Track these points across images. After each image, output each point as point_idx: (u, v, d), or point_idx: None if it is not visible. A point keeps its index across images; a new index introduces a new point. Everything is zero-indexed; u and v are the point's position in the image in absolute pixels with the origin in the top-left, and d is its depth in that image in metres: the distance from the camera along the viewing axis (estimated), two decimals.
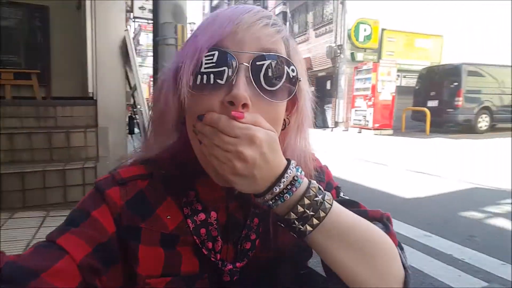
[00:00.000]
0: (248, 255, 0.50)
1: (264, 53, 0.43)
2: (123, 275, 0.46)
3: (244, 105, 0.41)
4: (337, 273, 0.44)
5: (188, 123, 0.46)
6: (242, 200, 0.51)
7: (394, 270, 0.45)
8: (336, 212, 0.43)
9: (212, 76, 0.42)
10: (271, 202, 0.42)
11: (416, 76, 11.32)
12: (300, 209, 0.41)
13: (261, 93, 0.43)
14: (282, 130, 0.49)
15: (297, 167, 0.44)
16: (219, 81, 0.42)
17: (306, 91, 0.50)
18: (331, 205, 0.43)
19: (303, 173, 0.44)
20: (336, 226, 0.43)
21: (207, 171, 0.46)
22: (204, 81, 0.43)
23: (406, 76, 12.50)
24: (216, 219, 0.49)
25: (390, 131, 10.07)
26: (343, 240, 0.43)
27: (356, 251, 0.43)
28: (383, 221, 0.50)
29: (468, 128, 9.39)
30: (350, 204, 0.51)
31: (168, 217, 0.47)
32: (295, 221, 0.42)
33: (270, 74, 0.43)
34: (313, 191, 0.42)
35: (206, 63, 0.43)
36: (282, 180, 0.41)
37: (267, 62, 0.43)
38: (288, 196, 0.41)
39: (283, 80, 0.44)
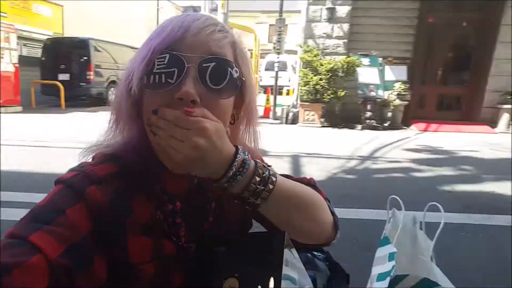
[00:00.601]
0: (207, 235, 0.60)
1: (210, 56, 0.51)
2: (105, 269, 0.49)
3: (193, 101, 0.48)
4: (284, 229, 0.56)
5: (144, 117, 0.53)
6: (201, 188, 0.61)
7: (327, 218, 0.62)
8: (280, 183, 0.54)
9: (163, 76, 0.50)
10: (226, 185, 0.51)
11: (39, 46, 10.63)
12: (252, 186, 0.51)
13: (207, 91, 0.51)
14: (232, 123, 0.59)
15: (243, 151, 0.53)
16: (169, 80, 0.49)
17: (252, 89, 0.60)
18: (276, 178, 0.53)
19: (249, 155, 0.53)
20: (282, 193, 0.54)
21: (162, 160, 0.53)
22: (157, 80, 0.50)
23: (28, 45, 11.38)
24: (180, 208, 0.57)
25: (19, 108, 9.02)
26: (288, 203, 0.56)
27: (299, 210, 0.57)
28: (311, 184, 0.67)
29: (100, 101, 10.37)
30: (286, 177, 0.66)
31: (142, 210, 0.53)
32: (250, 197, 0.52)
33: (215, 74, 0.51)
34: (260, 169, 0.52)
35: (158, 64, 0.50)
36: (234, 164, 0.50)
37: (212, 64, 0.51)
38: (241, 178, 0.50)
39: (227, 80, 0.52)
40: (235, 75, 0.53)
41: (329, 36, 7.83)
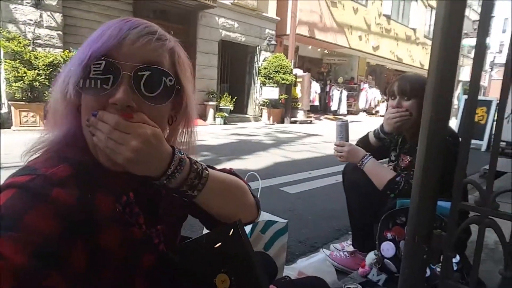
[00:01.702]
0: (162, 220, 0.67)
1: (145, 65, 0.56)
2: (84, 261, 0.52)
3: (129, 107, 0.55)
4: (217, 215, 0.68)
5: (82, 118, 0.58)
6: (146, 178, 0.65)
7: (251, 201, 0.76)
8: (211, 175, 0.64)
9: (99, 81, 0.55)
10: (165, 182, 0.58)
11: None
12: (189, 180, 0.60)
13: (142, 99, 0.57)
14: (170, 125, 0.66)
15: (179, 150, 0.60)
16: (105, 86, 0.55)
17: (190, 94, 0.67)
18: (208, 171, 0.63)
19: (185, 154, 0.61)
20: (214, 184, 0.64)
21: (96, 157, 0.58)
22: (92, 85, 0.55)
23: None
24: (133, 198, 0.62)
25: None
26: (220, 191, 0.67)
27: (229, 196, 0.70)
28: (233, 173, 0.79)
29: None
30: (212, 168, 0.80)
31: (103, 205, 0.57)
32: (187, 190, 0.60)
33: (149, 83, 0.57)
34: (195, 165, 0.61)
35: (94, 70, 0.55)
36: (172, 163, 0.57)
37: (147, 73, 0.56)
38: (179, 175, 0.58)
39: (161, 88, 0.58)
40: (169, 83, 0.59)
41: (39, 25, 6.92)
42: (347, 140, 1.71)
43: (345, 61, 16.66)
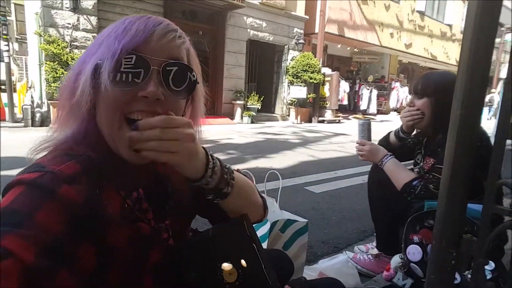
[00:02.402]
0: (169, 215, 0.67)
1: (173, 61, 0.59)
2: (92, 258, 0.52)
3: (157, 100, 0.57)
4: (231, 213, 0.70)
5: (105, 112, 0.58)
6: (155, 174, 0.67)
7: (259, 200, 0.78)
8: (235, 172, 0.67)
9: (130, 75, 0.56)
10: (209, 179, 0.60)
11: None
12: (223, 179, 0.63)
13: (169, 93, 0.59)
14: None
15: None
16: (136, 80, 0.56)
17: (201, 89, 0.68)
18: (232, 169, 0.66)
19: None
20: (237, 181, 0.67)
21: (117, 152, 0.58)
22: (123, 79, 0.56)
23: None
24: (143, 194, 0.63)
25: None
26: (240, 189, 0.68)
27: (244, 196, 0.71)
28: (241, 172, 0.81)
29: None
30: None
31: (112, 201, 0.57)
32: (224, 187, 0.63)
33: (177, 77, 0.59)
34: (223, 163, 0.64)
35: (125, 64, 0.55)
36: (210, 163, 0.60)
37: (175, 68, 0.59)
38: (215, 175, 0.61)
39: (186, 83, 0.61)
40: (193, 78, 0.62)
41: (76, 28, 7.24)
42: (369, 139, 1.66)
43: (376, 60, 16.19)
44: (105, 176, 0.58)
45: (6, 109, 6.87)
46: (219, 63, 9.91)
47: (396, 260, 1.48)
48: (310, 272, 1.54)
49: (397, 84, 16.06)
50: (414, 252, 1.38)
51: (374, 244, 1.91)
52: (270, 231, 1.41)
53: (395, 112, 16.22)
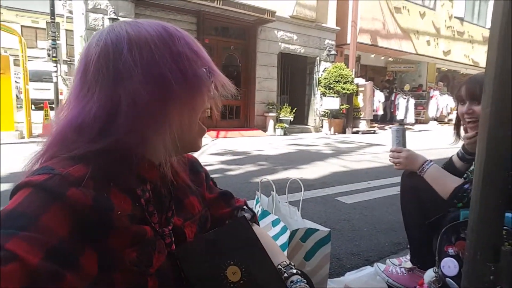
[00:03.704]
0: (172, 221, 0.66)
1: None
2: (96, 263, 0.51)
3: None
4: None
5: (185, 117, 0.61)
6: (165, 178, 0.66)
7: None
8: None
9: None
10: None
11: None
12: None
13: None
14: None
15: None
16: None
17: None
18: None
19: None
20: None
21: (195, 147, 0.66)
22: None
23: None
24: (151, 196, 0.62)
25: None
26: None
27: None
28: (245, 203, 0.88)
29: None
30: (229, 196, 0.85)
31: (121, 202, 0.56)
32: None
33: None
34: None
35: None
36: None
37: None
38: None
39: None
40: None
41: None
42: (404, 145, 1.54)
43: (412, 68, 15.62)
44: (114, 179, 0.57)
45: None
46: (251, 77, 10.02)
47: (429, 274, 1.36)
48: (335, 285, 1.45)
49: (436, 92, 15.33)
50: (449, 265, 1.25)
51: (408, 257, 1.77)
52: (290, 240, 1.35)
53: (435, 121, 15.45)
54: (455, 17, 14.82)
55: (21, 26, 19.76)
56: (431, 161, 1.45)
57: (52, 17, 7.28)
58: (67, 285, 0.44)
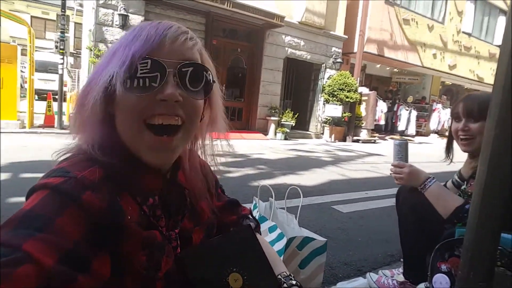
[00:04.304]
0: (179, 224, 0.67)
1: (188, 61, 0.58)
2: (108, 266, 0.52)
3: (176, 102, 0.57)
4: None
5: (124, 118, 0.58)
6: (173, 182, 0.67)
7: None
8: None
9: (147, 80, 0.55)
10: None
11: None
12: None
13: (186, 94, 0.58)
14: (200, 121, 0.65)
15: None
16: (153, 84, 0.56)
17: (217, 89, 0.68)
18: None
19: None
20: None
21: (139, 155, 0.60)
22: (141, 84, 0.55)
23: None
24: (158, 201, 0.63)
25: None
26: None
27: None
28: (250, 211, 0.89)
29: None
30: (236, 204, 0.86)
31: (130, 208, 0.57)
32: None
33: (193, 78, 0.59)
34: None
35: (141, 70, 0.55)
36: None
37: (190, 69, 0.58)
38: None
39: (203, 83, 0.61)
40: (209, 78, 0.62)
41: None
42: (406, 160, 1.53)
43: (417, 80, 15.61)
44: (124, 182, 0.58)
45: (56, 117, 7.35)
46: (255, 80, 10.03)
47: None
48: None
49: (439, 105, 15.33)
50: (441, 281, 1.25)
51: (401, 270, 1.77)
52: (286, 247, 1.35)
53: (436, 135, 15.43)
54: (463, 32, 14.82)
55: (31, 16, 19.85)
56: (433, 178, 1.45)
57: (63, 10, 7.29)
58: (80, 287, 0.45)
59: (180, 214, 0.68)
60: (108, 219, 0.52)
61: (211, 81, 0.63)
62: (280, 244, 1.39)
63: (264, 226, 1.58)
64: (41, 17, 21.00)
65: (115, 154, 0.58)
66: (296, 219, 1.62)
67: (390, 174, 1.56)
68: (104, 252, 0.52)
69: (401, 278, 1.69)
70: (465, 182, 1.47)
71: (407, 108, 14.14)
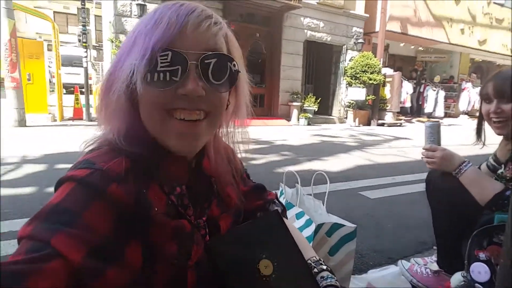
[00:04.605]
0: (206, 212, 0.66)
1: (211, 52, 0.54)
2: (140, 257, 0.52)
3: (198, 97, 0.54)
4: None
5: (147, 110, 0.56)
6: (199, 171, 0.67)
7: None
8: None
9: (168, 74, 0.52)
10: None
11: None
12: None
13: (209, 87, 0.55)
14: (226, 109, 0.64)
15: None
16: (174, 78, 0.53)
17: (244, 77, 0.65)
18: None
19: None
20: None
21: (166, 145, 0.58)
22: (161, 78, 0.53)
23: None
24: (185, 190, 0.62)
25: None
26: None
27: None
28: (276, 196, 0.87)
29: None
30: (262, 189, 0.85)
31: (157, 198, 0.56)
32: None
33: (216, 70, 0.55)
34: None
35: (161, 63, 0.52)
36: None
37: (213, 60, 0.55)
38: None
39: (227, 75, 0.57)
40: (234, 69, 0.58)
41: None
42: (439, 143, 1.46)
43: (444, 58, 14.94)
44: (151, 172, 0.57)
45: (84, 109, 7.59)
46: (275, 65, 9.91)
47: (457, 278, 1.32)
48: (358, 282, 1.44)
49: (469, 84, 14.63)
50: (479, 271, 1.21)
51: (434, 258, 1.73)
52: (315, 234, 1.34)
53: (466, 116, 14.82)
54: (494, 3, 13.96)
55: (54, 12, 20.31)
56: (469, 162, 1.37)
57: (83, 3, 7.42)
58: (109, 280, 0.46)
59: (207, 202, 0.67)
60: (135, 211, 0.52)
61: (236, 72, 0.59)
62: (309, 231, 1.38)
63: (291, 213, 1.57)
64: (63, 12, 21.44)
65: (141, 144, 0.58)
66: (323, 205, 1.61)
67: (422, 158, 1.51)
68: (135, 243, 0.51)
69: (434, 266, 1.65)
70: (503, 166, 1.40)
71: (434, 88, 13.60)
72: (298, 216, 1.56)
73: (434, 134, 1.46)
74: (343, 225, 1.40)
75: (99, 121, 0.61)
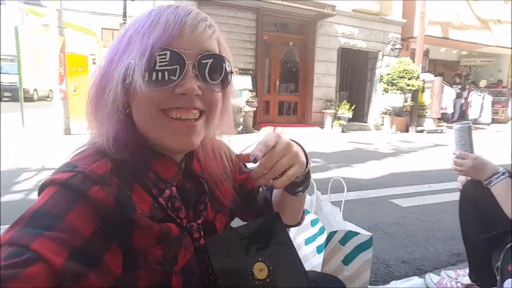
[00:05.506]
0: (203, 214, 0.64)
1: (207, 53, 0.56)
2: (119, 262, 0.51)
3: (196, 95, 0.55)
4: (286, 212, 0.75)
5: (142, 110, 0.56)
6: (189, 172, 0.65)
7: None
8: None
9: (166, 73, 0.53)
10: (303, 178, 0.68)
11: None
12: (309, 176, 0.70)
13: (205, 86, 0.56)
14: None
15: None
16: (172, 77, 0.53)
17: (233, 81, 0.65)
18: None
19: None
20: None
21: (164, 143, 0.57)
22: (160, 78, 0.53)
23: None
24: (176, 192, 0.61)
25: None
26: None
27: (304, 198, 0.77)
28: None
29: None
30: None
31: (141, 201, 0.55)
32: (307, 182, 0.69)
33: (213, 70, 0.57)
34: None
35: (160, 62, 0.52)
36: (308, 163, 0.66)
37: (210, 61, 0.56)
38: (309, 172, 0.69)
39: (223, 74, 0.59)
40: (228, 69, 0.60)
41: None
42: (471, 148, 1.32)
43: (491, 62, 13.97)
44: (137, 174, 0.56)
45: None
46: (309, 73, 9.80)
47: None
48: None
49: None
50: None
51: (467, 271, 1.56)
52: (328, 241, 1.25)
53: None
54: None
55: (102, 28, 21.71)
56: (503, 173, 1.23)
57: (124, 18, 7.85)
58: (90, 284, 0.45)
59: (202, 204, 0.65)
60: (117, 214, 0.50)
61: (230, 72, 0.60)
62: (322, 238, 1.30)
63: (306, 219, 1.50)
64: (109, 28, 22.83)
65: (129, 146, 0.57)
66: (340, 212, 1.52)
67: (452, 166, 1.36)
68: (116, 247, 0.50)
69: (466, 280, 1.49)
70: None
71: (479, 93, 12.72)
72: (313, 223, 1.49)
73: (464, 138, 1.32)
74: (358, 233, 1.30)
75: (90, 125, 0.59)
